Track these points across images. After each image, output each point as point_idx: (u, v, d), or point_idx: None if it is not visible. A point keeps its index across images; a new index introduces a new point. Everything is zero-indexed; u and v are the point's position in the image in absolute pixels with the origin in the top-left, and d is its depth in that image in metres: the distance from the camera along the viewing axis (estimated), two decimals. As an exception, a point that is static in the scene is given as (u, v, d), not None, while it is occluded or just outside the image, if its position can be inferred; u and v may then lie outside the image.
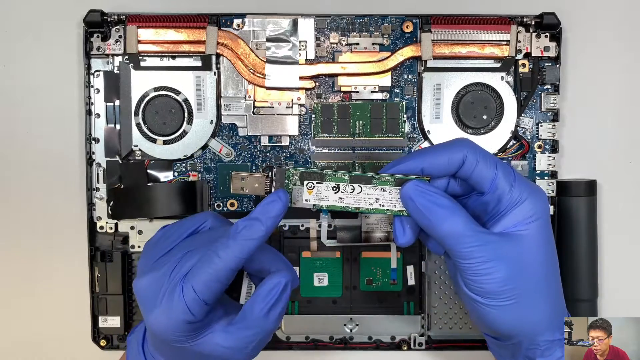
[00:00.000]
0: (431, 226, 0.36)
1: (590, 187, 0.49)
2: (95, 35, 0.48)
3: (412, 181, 0.36)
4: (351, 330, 0.50)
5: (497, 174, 0.36)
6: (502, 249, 0.35)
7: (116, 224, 0.49)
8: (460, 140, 0.38)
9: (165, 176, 0.49)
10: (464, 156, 0.36)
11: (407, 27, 0.49)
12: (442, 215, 0.35)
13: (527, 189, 0.36)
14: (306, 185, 0.38)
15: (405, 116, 0.49)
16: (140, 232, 0.49)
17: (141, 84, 0.48)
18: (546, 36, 0.48)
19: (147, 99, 0.48)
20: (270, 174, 0.39)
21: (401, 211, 0.38)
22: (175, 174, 0.49)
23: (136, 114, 0.48)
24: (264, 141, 0.49)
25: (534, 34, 0.48)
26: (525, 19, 0.48)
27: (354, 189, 0.38)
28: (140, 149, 0.49)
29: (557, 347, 0.37)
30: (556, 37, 0.49)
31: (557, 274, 0.38)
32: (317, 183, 0.38)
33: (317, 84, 0.49)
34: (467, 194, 0.39)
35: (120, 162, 0.49)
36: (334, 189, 0.38)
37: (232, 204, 0.49)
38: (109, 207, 0.49)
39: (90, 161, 0.49)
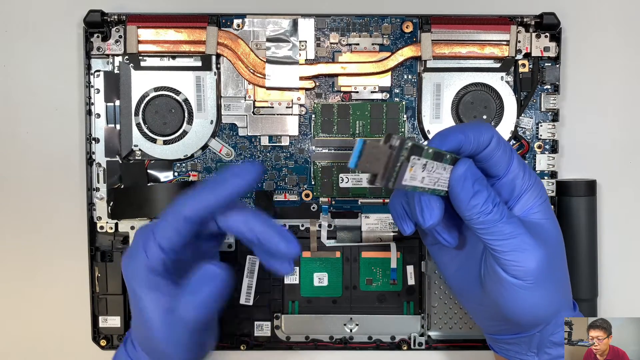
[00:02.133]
0: (472, 209, 0.35)
1: (590, 187, 0.49)
2: (96, 35, 0.48)
3: (464, 160, 0.35)
4: (351, 330, 0.50)
5: (513, 159, 0.37)
6: (534, 229, 0.36)
7: (116, 224, 0.49)
8: (484, 122, 0.38)
9: (165, 176, 0.49)
10: (491, 137, 0.36)
11: (407, 27, 0.49)
12: (484, 198, 0.35)
13: (533, 175, 0.38)
14: (411, 162, 0.32)
15: (405, 116, 0.49)
16: (140, 232, 0.49)
17: (141, 84, 0.48)
18: (546, 36, 0.48)
19: (147, 99, 0.48)
20: (390, 142, 0.30)
21: (444, 191, 0.35)
22: (176, 174, 0.49)
23: (136, 114, 0.49)
24: (264, 141, 0.49)
25: (533, 34, 0.48)
26: (525, 19, 0.48)
27: (433, 167, 0.33)
28: (140, 149, 0.49)
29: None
30: (556, 37, 0.49)
31: (565, 253, 0.39)
32: (417, 159, 0.32)
33: (317, 84, 0.49)
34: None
35: (121, 162, 0.49)
36: (424, 166, 0.33)
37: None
38: (109, 207, 0.49)
39: (90, 161, 0.49)
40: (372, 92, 0.49)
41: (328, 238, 0.50)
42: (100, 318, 0.50)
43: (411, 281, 0.50)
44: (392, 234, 0.50)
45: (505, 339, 0.40)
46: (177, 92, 0.49)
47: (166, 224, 0.36)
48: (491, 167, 0.37)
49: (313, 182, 0.49)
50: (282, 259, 0.37)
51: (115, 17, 0.48)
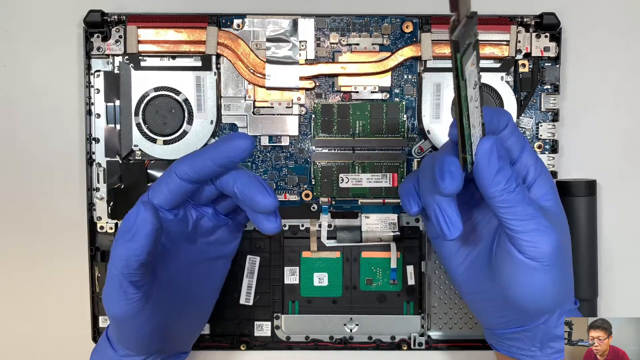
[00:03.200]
0: (497, 189, 0.35)
1: (590, 187, 0.49)
2: (96, 35, 0.48)
3: (488, 137, 0.35)
4: (351, 330, 0.50)
5: (525, 146, 0.38)
6: (549, 214, 0.37)
7: (116, 224, 0.49)
8: (502, 108, 0.39)
9: (165, 176, 0.49)
10: (508, 121, 0.37)
11: (407, 27, 0.49)
12: (508, 177, 0.35)
13: (543, 164, 0.39)
14: (473, 55, 0.31)
15: (405, 116, 0.49)
16: (140, 232, 0.49)
17: (141, 84, 0.48)
18: (546, 36, 0.48)
19: (147, 99, 0.48)
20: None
21: (472, 157, 0.34)
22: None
23: (136, 114, 0.49)
24: (264, 141, 0.49)
25: (533, 34, 0.48)
26: (525, 19, 0.48)
27: (478, 99, 0.33)
28: (140, 149, 0.49)
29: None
30: (556, 37, 0.49)
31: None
32: (476, 63, 0.31)
33: (317, 84, 0.49)
34: None
35: (121, 162, 0.49)
36: (475, 84, 0.32)
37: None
38: (109, 207, 0.49)
39: (90, 161, 0.49)
40: (372, 92, 0.49)
41: (328, 238, 0.50)
42: (100, 318, 0.50)
43: (411, 281, 0.50)
44: (392, 234, 0.50)
45: (508, 334, 0.40)
46: (177, 92, 0.49)
47: (160, 183, 0.38)
48: (510, 147, 0.37)
49: (313, 182, 0.49)
50: (263, 213, 0.38)
51: (115, 17, 0.48)
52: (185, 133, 0.49)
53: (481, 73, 0.48)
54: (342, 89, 0.49)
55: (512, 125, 0.37)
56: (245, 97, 0.49)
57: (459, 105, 0.32)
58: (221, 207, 0.42)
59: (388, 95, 0.49)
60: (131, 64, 0.48)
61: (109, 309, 0.37)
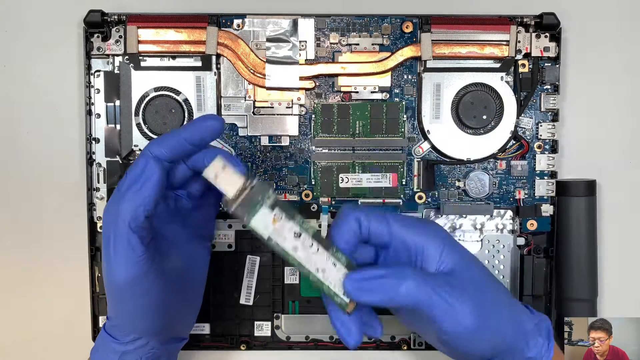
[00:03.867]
0: (392, 298, 0.36)
1: (589, 187, 0.49)
2: (96, 35, 0.48)
3: (346, 278, 0.36)
4: (351, 330, 0.50)
5: (389, 223, 0.38)
6: (452, 284, 0.37)
7: (116, 224, 0.49)
8: (345, 208, 0.39)
9: (165, 176, 0.49)
10: (357, 218, 0.38)
11: (407, 28, 0.49)
12: (395, 283, 0.36)
13: (421, 227, 0.38)
14: (274, 213, 0.35)
15: (405, 116, 0.49)
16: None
17: (141, 84, 0.48)
18: (546, 36, 0.48)
19: (147, 99, 0.48)
20: (248, 181, 0.35)
21: (336, 295, 0.36)
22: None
23: (136, 114, 0.49)
24: (264, 141, 0.49)
25: (533, 34, 0.48)
26: (525, 19, 0.48)
27: (312, 245, 0.36)
28: (140, 149, 0.49)
29: (536, 334, 0.39)
30: (556, 37, 0.49)
31: (496, 279, 0.40)
32: (285, 218, 0.35)
33: (317, 84, 0.49)
34: (374, 257, 0.40)
35: (121, 162, 0.49)
36: (296, 234, 0.36)
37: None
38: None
39: (90, 161, 0.49)
40: (372, 92, 0.49)
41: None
42: (100, 318, 0.50)
43: (411, 281, 0.50)
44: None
45: None
46: (177, 92, 0.49)
47: (136, 164, 0.38)
48: (375, 240, 0.39)
49: (313, 182, 0.49)
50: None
51: (116, 17, 0.48)
52: (185, 133, 0.49)
53: (481, 73, 0.48)
54: (342, 89, 0.49)
55: (364, 215, 0.38)
56: (245, 97, 0.49)
57: (288, 260, 0.36)
58: (194, 189, 0.43)
59: (388, 95, 0.49)
60: (131, 64, 0.48)
61: (115, 273, 0.37)
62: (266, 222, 0.35)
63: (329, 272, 0.36)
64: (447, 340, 0.37)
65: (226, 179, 0.35)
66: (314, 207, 0.50)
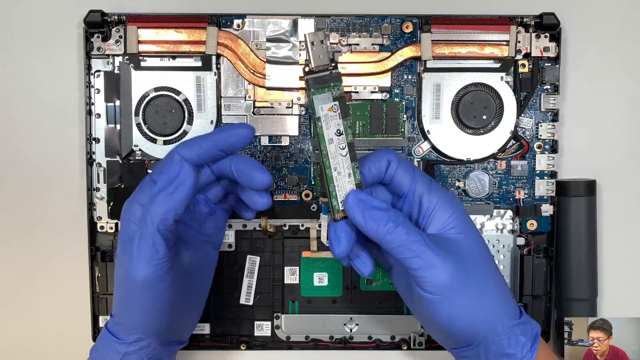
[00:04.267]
0: (377, 231, 0.37)
1: (589, 187, 0.49)
2: (96, 35, 0.48)
3: (353, 190, 0.38)
4: (351, 330, 0.50)
5: (415, 177, 0.40)
6: (445, 244, 0.38)
7: (116, 224, 0.49)
8: (383, 149, 0.41)
9: (165, 176, 0.49)
10: (389, 161, 0.40)
11: (406, 28, 0.49)
12: (385, 219, 0.37)
13: (442, 193, 0.40)
14: (334, 104, 0.38)
15: (405, 116, 0.49)
16: (140, 232, 0.49)
17: (141, 84, 0.48)
18: (546, 36, 0.48)
19: (147, 99, 0.48)
20: (332, 65, 0.38)
21: (335, 198, 0.39)
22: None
23: (136, 114, 0.49)
24: (264, 141, 0.49)
25: (533, 34, 0.48)
26: (524, 19, 0.48)
27: (343, 148, 0.38)
28: (140, 149, 0.49)
29: (518, 332, 0.38)
30: (556, 37, 0.49)
31: (494, 263, 0.41)
32: (339, 113, 0.38)
33: (317, 84, 0.49)
34: (391, 202, 0.41)
35: (121, 162, 0.49)
36: (338, 132, 0.38)
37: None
38: (109, 207, 0.49)
39: (90, 161, 0.49)
40: (372, 92, 0.49)
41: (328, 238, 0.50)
42: (101, 318, 0.50)
43: (411, 281, 0.50)
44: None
45: (458, 353, 0.41)
46: (178, 92, 0.49)
47: (168, 168, 0.39)
48: (395, 187, 0.40)
49: (313, 182, 0.49)
50: (258, 189, 0.42)
51: (116, 17, 0.48)
52: (185, 133, 0.49)
53: (481, 73, 0.48)
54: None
55: (396, 161, 0.40)
56: (245, 97, 0.49)
57: (319, 146, 0.38)
58: (212, 194, 0.44)
59: (388, 95, 0.49)
60: (131, 64, 0.48)
61: (134, 271, 0.38)
62: (324, 105, 0.38)
63: (342, 177, 0.39)
64: (422, 301, 0.38)
65: (318, 50, 0.38)
66: (314, 207, 0.50)
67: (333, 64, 0.38)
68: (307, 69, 0.38)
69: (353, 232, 0.39)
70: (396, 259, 0.38)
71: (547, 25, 0.48)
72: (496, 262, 0.49)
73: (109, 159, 0.49)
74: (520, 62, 0.49)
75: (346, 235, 0.39)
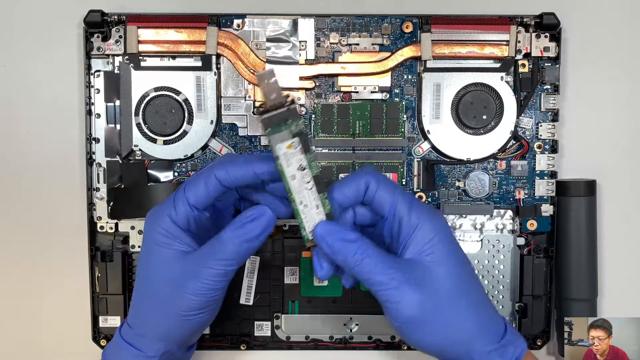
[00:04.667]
0: (345, 262, 0.37)
1: (589, 187, 0.49)
2: (96, 35, 0.48)
3: (321, 222, 0.38)
4: (351, 330, 0.50)
5: (395, 198, 0.39)
6: (414, 274, 0.37)
7: (116, 224, 0.49)
8: (364, 168, 0.40)
9: (165, 176, 0.49)
10: (368, 182, 0.39)
11: (406, 28, 0.49)
12: (353, 251, 0.37)
13: (425, 214, 0.38)
14: (293, 140, 0.37)
15: (405, 116, 0.49)
16: (140, 232, 0.49)
17: (141, 84, 0.48)
18: (546, 36, 0.48)
19: (147, 99, 0.48)
20: (287, 102, 0.37)
21: (304, 229, 0.39)
22: (176, 174, 0.49)
23: (136, 114, 0.49)
24: (264, 141, 0.49)
25: (533, 34, 0.48)
26: (524, 19, 0.48)
27: (308, 182, 0.38)
28: (140, 149, 0.49)
29: (496, 356, 0.38)
30: (556, 37, 0.49)
31: (475, 286, 0.39)
32: (299, 149, 0.37)
33: (317, 84, 0.49)
34: (375, 222, 0.41)
35: (121, 162, 0.49)
36: (300, 167, 0.38)
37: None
38: (109, 207, 0.49)
39: (90, 161, 0.49)
40: (372, 92, 0.49)
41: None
42: (100, 318, 0.49)
43: (411, 281, 0.50)
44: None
45: None
46: (177, 92, 0.49)
47: (198, 181, 0.39)
48: (376, 208, 0.39)
49: (313, 182, 0.49)
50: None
51: (116, 17, 0.48)
52: (185, 133, 0.49)
53: (481, 73, 0.48)
54: (342, 89, 0.49)
55: (375, 182, 0.39)
56: (245, 97, 0.49)
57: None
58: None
59: (388, 95, 0.49)
60: (131, 64, 0.48)
61: (191, 297, 0.38)
62: (282, 143, 0.37)
63: (309, 210, 0.38)
64: (393, 325, 0.38)
65: (270, 88, 0.37)
66: (314, 207, 0.50)
67: (288, 100, 0.37)
68: (261, 109, 0.37)
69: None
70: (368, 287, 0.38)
71: (547, 25, 0.48)
72: (496, 262, 0.49)
73: (109, 159, 0.49)
74: (520, 62, 0.49)
75: (327, 260, 0.39)
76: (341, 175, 0.49)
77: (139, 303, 0.40)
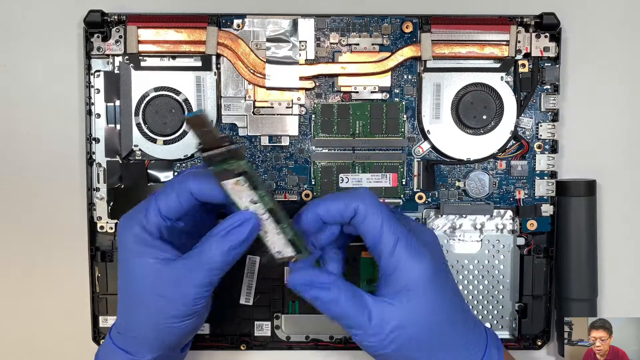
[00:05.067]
0: (321, 307, 0.38)
1: (589, 187, 0.49)
2: (96, 35, 0.48)
3: (294, 271, 0.38)
4: (351, 330, 0.50)
5: (380, 232, 0.38)
6: (389, 315, 0.37)
7: (116, 224, 0.49)
8: (359, 191, 0.39)
9: (165, 176, 0.49)
10: (355, 208, 0.38)
11: (407, 28, 0.49)
12: (327, 298, 0.37)
13: (408, 254, 0.37)
14: (238, 179, 0.36)
15: (405, 116, 0.49)
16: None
17: (141, 84, 0.48)
18: (546, 36, 0.48)
19: (147, 99, 0.48)
20: (226, 143, 0.35)
21: (275, 255, 0.38)
22: (175, 174, 0.49)
23: (136, 114, 0.49)
24: (264, 141, 0.49)
25: (533, 34, 0.48)
26: (525, 19, 0.48)
27: (264, 213, 0.37)
28: (140, 149, 0.49)
29: None
30: (556, 37, 0.49)
31: (456, 310, 0.39)
32: (247, 187, 0.36)
33: (317, 84, 0.49)
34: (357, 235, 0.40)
35: (121, 162, 0.49)
36: (252, 201, 0.37)
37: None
38: (109, 207, 0.49)
39: (90, 161, 0.49)
40: (372, 92, 0.49)
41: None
42: (100, 318, 0.50)
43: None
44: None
45: None
46: (177, 92, 0.49)
47: (171, 192, 0.38)
48: (360, 234, 0.39)
49: (313, 182, 0.49)
50: None
51: (116, 17, 0.48)
52: (185, 133, 0.49)
53: (481, 73, 0.48)
54: (342, 89, 0.49)
55: (363, 213, 0.38)
56: (245, 97, 0.49)
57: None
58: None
59: (388, 95, 0.49)
60: (131, 64, 0.48)
61: (180, 305, 0.38)
62: (228, 180, 0.36)
63: (271, 235, 0.38)
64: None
65: (205, 132, 0.35)
66: (314, 207, 0.50)
67: (226, 142, 0.35)
68: (200, 146, 0.35)
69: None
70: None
71: (547, 25, 0.48)
72: (496, 262, 0.49)
73: (109, 159, 0.49)
74: (520, 62, 0.49)
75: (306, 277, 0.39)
76: (341, 175, 0.49)
77: (125, 312, 0.40)
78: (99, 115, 0.49)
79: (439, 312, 0.38)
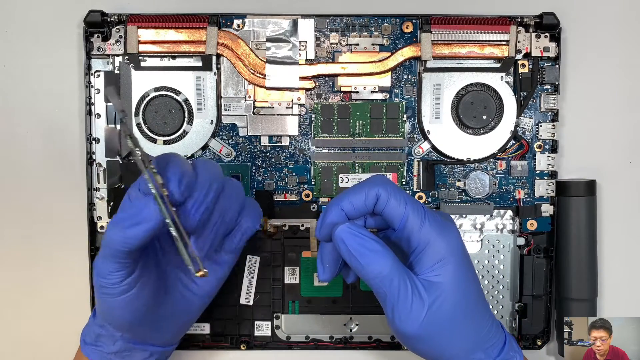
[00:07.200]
0: (360, 268, 0.37)
1: (589, 187, 0.49)
2: (96, 35, 0.48)
3: (345, 224, 0.37)
4: (351, 330, 0.50)
5: (407, 211, 0.38)
6: (423, 292, 0.37)
7: (116, 224, 0.49)
8: (375, 177, 0.39)
9: (165, 176, 0.49)
10: (377, 193, 0.38)
11: (407, 28, 0.49)
12: (371, 258, 0.37)
13: (436, 229, 0.38)
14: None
15: (405, 116, 0.49)
16: (140, 232, 0.49)
17: (141, 84, 0.48)
18: (546, 36, 0.48)
19: (147, 99, 0.48)
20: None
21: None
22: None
23: (136, 114, 0.49)
24: (264, 141, 0.49)
25: (533, 34, 0.48)
26: (524, 19, 0.48)
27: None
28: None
29: None
30: (556, 37, 0.49)
31: (479, 301, 0.39)
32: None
33: (317, 84, 0.49)
34: (384, 227, 0.40)
35: (121, 162, 0.49)
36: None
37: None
38: (109, 207, 0.49)
39: (90, 161, 0.49)
40: (372, 92, 0.49)
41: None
42: (100, 318, 0.49)
43: (411, 281, 0.50)
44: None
45: None
46: (178, 92, 0.49)
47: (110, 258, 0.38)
48: (386, 218, 0.39)
49: (313, 182, 0.49)
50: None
51: (116, 17, 0.48)
52: (185, 133, 0.49)
53: (481, 73, 0.48)
54: (342, 89, 0.49)
55: (386, 195, 0.38)
56: (245, 97, 0.49)
57: None
58: None
59: (388, 96, 0.49)
60: (131, 64, 0.48)
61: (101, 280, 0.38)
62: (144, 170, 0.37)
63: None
64: (395, 334, 0.39)
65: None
66: (314, 207, 0.50)
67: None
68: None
69: (340, 260, 0.39)
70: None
71: (547, 25, 0.48)
72: (496, 262, 0.49)
73: (109, 159, 0.49)
74: (520, 62, 0.49)
75: (331, 265, 0.40)
76: (341, 175, 0.49)
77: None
78: (99, 115, 0.49)
79: (473, 280, 0.39)
